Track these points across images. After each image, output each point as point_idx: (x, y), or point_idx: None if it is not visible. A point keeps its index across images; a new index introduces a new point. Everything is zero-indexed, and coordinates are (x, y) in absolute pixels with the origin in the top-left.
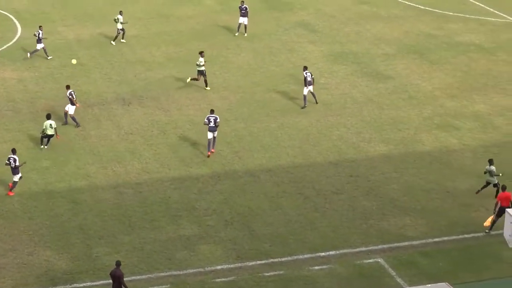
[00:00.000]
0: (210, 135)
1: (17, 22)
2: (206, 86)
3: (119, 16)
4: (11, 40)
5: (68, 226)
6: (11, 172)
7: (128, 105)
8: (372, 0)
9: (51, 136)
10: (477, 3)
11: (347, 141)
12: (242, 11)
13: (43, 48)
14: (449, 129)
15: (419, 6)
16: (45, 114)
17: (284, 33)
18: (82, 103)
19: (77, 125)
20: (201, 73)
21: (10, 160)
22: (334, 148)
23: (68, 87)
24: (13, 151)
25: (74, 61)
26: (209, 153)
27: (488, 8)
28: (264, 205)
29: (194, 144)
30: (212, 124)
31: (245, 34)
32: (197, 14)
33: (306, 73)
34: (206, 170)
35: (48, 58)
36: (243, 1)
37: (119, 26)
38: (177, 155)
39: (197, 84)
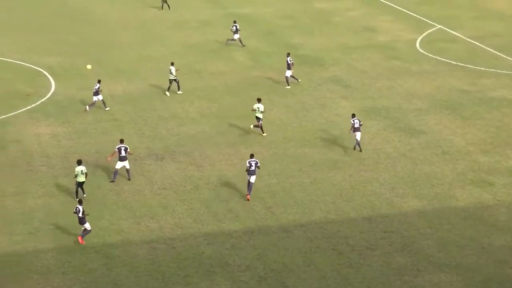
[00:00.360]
0: (250, 178)
1: (50, 78)
2: (260, 129)
3: (171, 68)
4: (45, 96)
5: (102, 282)
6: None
7: (161, 160)
8: (403, 56)
9: (83, 183)
10: (510, 58)
11: (380, 196)
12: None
13: (101, 100)
14: (483, 184)
15: (451, 62)
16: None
17: (316, 89)
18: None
19: (113, 180)
20: (258, 119)
21: (77, 210)
22: (367, 203)
23: (121, 141)
24: (80, 202)
25: (89, 67)
26: (247, 195)
27: None
28: (298, 261)
29: (226, 199)
30: (252, 168)
31: (287, 86)
32: (229, 70)
33: (353, 120)
34: (239, 225)
35: (106, 109)
36: (288, 53)
37: (171, 77)
38: (210, 210)
39: (230, 139)
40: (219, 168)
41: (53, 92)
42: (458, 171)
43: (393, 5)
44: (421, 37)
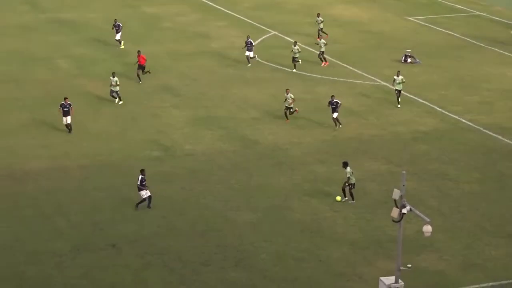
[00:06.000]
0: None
1: None
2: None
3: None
4: None
5: None
6: None
7: None
8: (237, 63)
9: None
10: (346, 65)
11: (214, 209)
12: (248, 45)
13: None
14: (320, 195)
15: (287, 69)
16: None
17: (146, 98)
18: None
19: None
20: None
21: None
22: (200, 217)
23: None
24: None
25: (338, 198)
26: None
27: (357, 71)
28: (127, 279)
29: (50, 215)
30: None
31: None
32: (53, 78)
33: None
34: (64, 243)
35: None
36: (248, 36)
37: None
38: (32, 228)
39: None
40: (42, 183)
41: None
42: (294, 182)
43: (226, 10)
44: (255, 43)
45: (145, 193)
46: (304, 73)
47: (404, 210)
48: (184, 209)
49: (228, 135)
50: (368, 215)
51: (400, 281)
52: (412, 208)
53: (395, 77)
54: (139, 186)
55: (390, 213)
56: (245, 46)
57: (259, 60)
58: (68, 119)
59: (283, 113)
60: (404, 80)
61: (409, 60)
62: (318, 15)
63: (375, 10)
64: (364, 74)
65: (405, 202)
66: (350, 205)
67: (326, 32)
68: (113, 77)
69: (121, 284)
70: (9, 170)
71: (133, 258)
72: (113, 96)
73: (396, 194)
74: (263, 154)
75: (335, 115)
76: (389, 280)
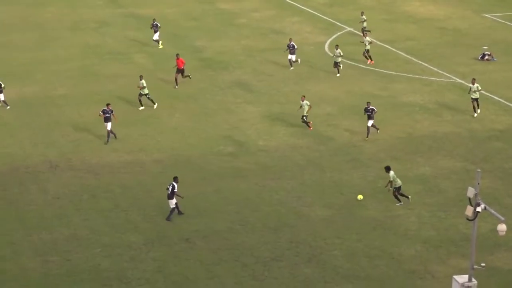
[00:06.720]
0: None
1: None
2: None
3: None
4: None
5: None
6: None
7: (55, 168)
8: (312, 59)
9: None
10: (421, 62)
11: (287, 205)
12: (291, 48)
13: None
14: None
15: (361, 66)
16: None
17: (219, 93)
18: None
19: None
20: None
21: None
22: (273, 212)
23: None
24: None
25: (360, 197)
26: None
27: (432, 68)
28: (200, 273)
29: (126, 209)
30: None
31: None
32: (128, 73)
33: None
34: (139, 236)
35: (7, 107)
36: (291, 39)
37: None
38: (108, 220)
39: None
40: (119, 177)
41: None
42: (368, 179)
43: (300, 6)
44: (330, 39)
45: (174, 203)
46: (379, 69)
47: (478, 209)
48: (257, 205)
49: (301, 131)
50: (441, 213)
51: (473, 279)
52: (487, 207)
53: (471, 85)
54: (170, 195)
55: (464, 211)
56: (287, 49)
57: (330, 55)
58: (108, 125)
59: (301, 121)
60: (480, 88)
61: (486, 57)
62: (362, 13)
63: (450, 7)
64: (439, 71)
65: (480, 201)
66: (424, 202)
67: (369, 30)
68: (141, 79)
69: (194, 278)
70: (86, 163)
71: (206, 253)
72: (140, 100)
73: (471, 192)
74: (337, 150)
75: (369, 122)
76: (463, 278)
